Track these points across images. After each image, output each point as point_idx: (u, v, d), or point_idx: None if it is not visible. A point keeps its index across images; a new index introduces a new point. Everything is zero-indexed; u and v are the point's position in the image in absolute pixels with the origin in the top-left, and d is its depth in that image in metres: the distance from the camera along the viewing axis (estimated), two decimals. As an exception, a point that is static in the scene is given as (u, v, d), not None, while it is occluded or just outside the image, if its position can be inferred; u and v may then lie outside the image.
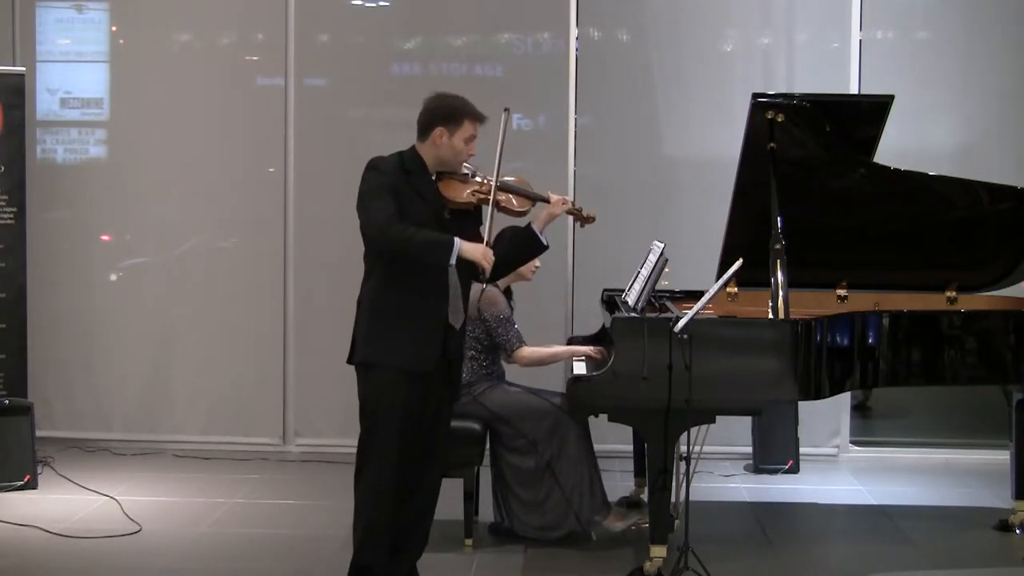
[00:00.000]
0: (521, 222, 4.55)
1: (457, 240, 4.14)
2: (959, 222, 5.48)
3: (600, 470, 5.24)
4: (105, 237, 7.06)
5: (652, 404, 4.62)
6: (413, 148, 4.34)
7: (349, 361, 4.36)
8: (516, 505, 5.18)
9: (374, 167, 4.25)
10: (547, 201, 4.52)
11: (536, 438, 5.13)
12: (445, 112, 4.30)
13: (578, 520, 5.15)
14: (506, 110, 4.36)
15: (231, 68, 7.00)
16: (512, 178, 4.49)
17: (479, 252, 4.16)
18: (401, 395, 4.24)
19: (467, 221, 4.39)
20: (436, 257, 4.16)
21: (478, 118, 4.32)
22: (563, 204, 4.53)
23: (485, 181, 4.37)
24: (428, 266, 4.20)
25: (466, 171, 4.38)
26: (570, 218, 6.62)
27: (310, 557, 5.07)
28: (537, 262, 5.28)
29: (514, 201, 4.43)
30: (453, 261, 4.14)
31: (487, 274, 4.20)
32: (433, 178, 4.34)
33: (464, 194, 4.35)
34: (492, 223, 4.26)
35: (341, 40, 7.01)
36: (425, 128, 4.32)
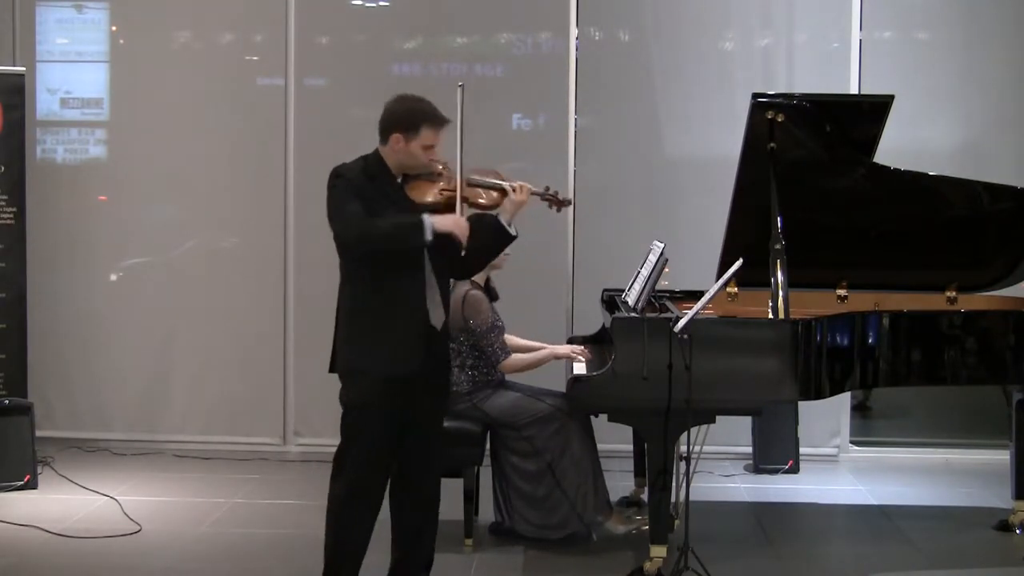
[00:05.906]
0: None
1: (427, 216, 4.05)
2: (959, 222, 5.48)
3: (603, 470, 5.24)
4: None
5: (652, 404, 4.62)
6: (376, 152, 4.24)
7: (331, 370, 4.30)
8: (518, 501, 5.17)
9: (339, 175, 4.15)
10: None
11: (539, 443, 5.12)
12: (402, 118, 4.16)
13: (581, 520, 5.14)
14: (460, 85, 4.21)
15: (231, 68, 7.00)
16: (479, 173, 4.35)
17: (451, 222, 4.08)
18: (385, 401, 4.18)
19: None
20: (414, 239, 4.05)
21: (438, 123, 4.18)
22: (525, 191, 4.33)
23: (453, 177, 4.25)
24: (407, 256, 4.09)
25: (434, 167, 4.25)
26: (570, 217, 6.76)
27: (310, 557, 5.03)
28: (508, 250, 5.24)
29: (482, 196, 4.31)
30: (430, 237, 4.03)
31: (464, 245, 4.09)
32: (399, 180, 4.23)
33: (431, 195, 4.23)
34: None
35: (341, 40, 7.00)
36: (384, 133, 4.20)
